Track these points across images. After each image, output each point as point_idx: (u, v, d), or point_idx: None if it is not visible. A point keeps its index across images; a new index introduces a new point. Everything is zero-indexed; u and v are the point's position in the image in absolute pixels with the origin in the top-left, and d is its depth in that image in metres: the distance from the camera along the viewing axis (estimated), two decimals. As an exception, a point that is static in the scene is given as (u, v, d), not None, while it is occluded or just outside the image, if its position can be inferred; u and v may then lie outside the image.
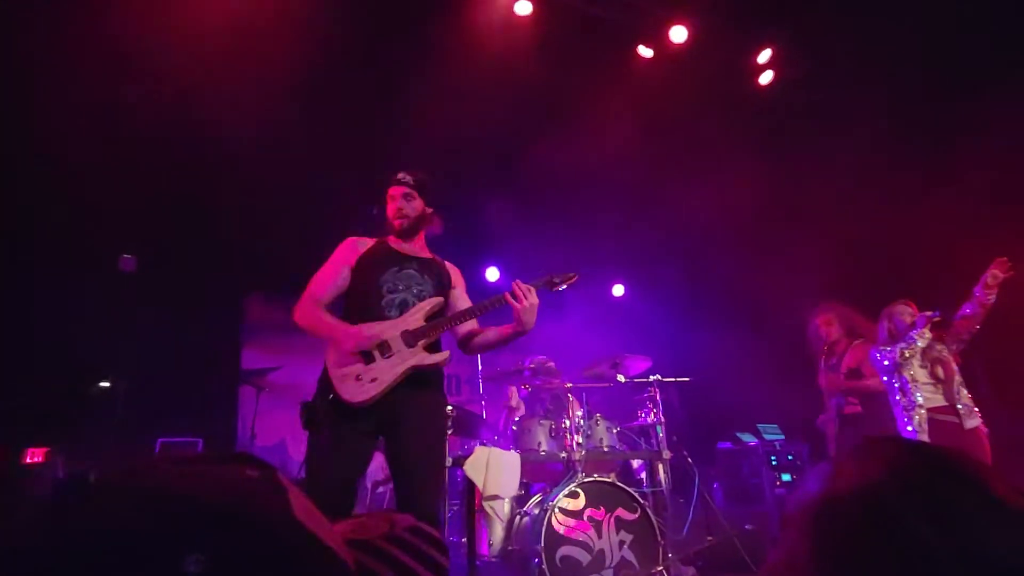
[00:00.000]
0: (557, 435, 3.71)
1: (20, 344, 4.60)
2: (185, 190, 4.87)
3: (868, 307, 4.03)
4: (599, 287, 7.12)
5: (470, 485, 3.51)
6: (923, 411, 3.61)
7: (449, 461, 3.63)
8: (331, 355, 2.34)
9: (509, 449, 3.69)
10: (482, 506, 3.55)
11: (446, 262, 2.74)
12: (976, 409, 3.57)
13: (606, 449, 3.73)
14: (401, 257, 2.55)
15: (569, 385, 3.80)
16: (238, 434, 5.76)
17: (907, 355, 3.63)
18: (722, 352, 5.27)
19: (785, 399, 4.83)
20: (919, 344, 3.61)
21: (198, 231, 5.22)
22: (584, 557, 3.12)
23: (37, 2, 3.83)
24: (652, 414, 3.93)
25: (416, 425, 2.30)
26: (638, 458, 4.10)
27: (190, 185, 4.88)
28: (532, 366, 4.21)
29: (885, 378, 3.80)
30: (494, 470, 3.43)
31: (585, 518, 3.20)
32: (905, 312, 3.81)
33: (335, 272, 2.54)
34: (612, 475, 3.57)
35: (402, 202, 2.57)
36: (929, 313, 3.62)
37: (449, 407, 3.71)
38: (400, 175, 2.59)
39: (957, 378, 3.64)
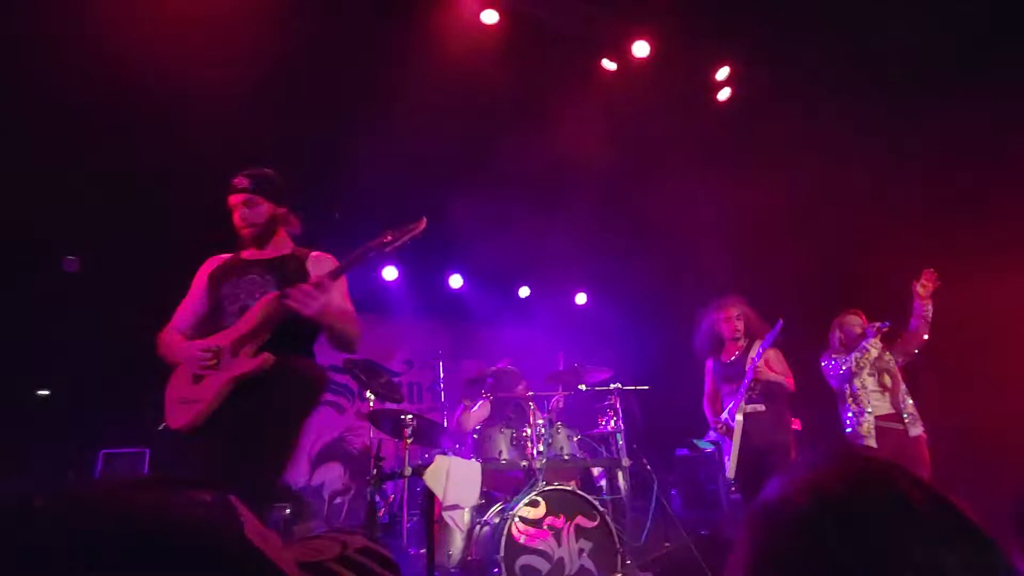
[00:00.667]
0: (518, 443, 3.70)
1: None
2: (134, 187, 4.67)
3: (825, 316, 4.15)
4: (562, 296, 7.17)
5: (430, 495, 3.46)
6: (872, 418, 3.75)
7: (409, 471, 3.58)
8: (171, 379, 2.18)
9: (470, 458, 3.65)
10: (442, 516, 3.51)
11: (314, 252, 2.43)
12: (919, 418, 3.73)
13: (567, 457, 3.74)
14: (245, 264, 2.34)
15: (531, 394, 3.80)
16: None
17: (861, 364, 3.77)
18: (681, 360, 5.37)
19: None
20: (872, 353, 3.76)
21: (147, 231, 5.01)
22: (544, 566, 3.11)
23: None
24: (612, 422, 3.97)
25: (237, 434, 2.04)
26: (598, 466, 4.13)
27: (140, 182, 4.69)
28: (495, 372, 4.19)
29: (836, 385, 3.94)
30: (454, 479, 3.39)
31: (545, 526, 3.20)
32: (855, 322, 3.96)
33: (192, 297, 2.39)
34: (573, 483, 3.58)
35: (244, 210, 2.33)
36: (878, 324, 3.78)
37: (409, 416, 3.66)
38: (236, 180, 2.33)
39: (903, 387, 3.80)
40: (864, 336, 3.82)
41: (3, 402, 4.40)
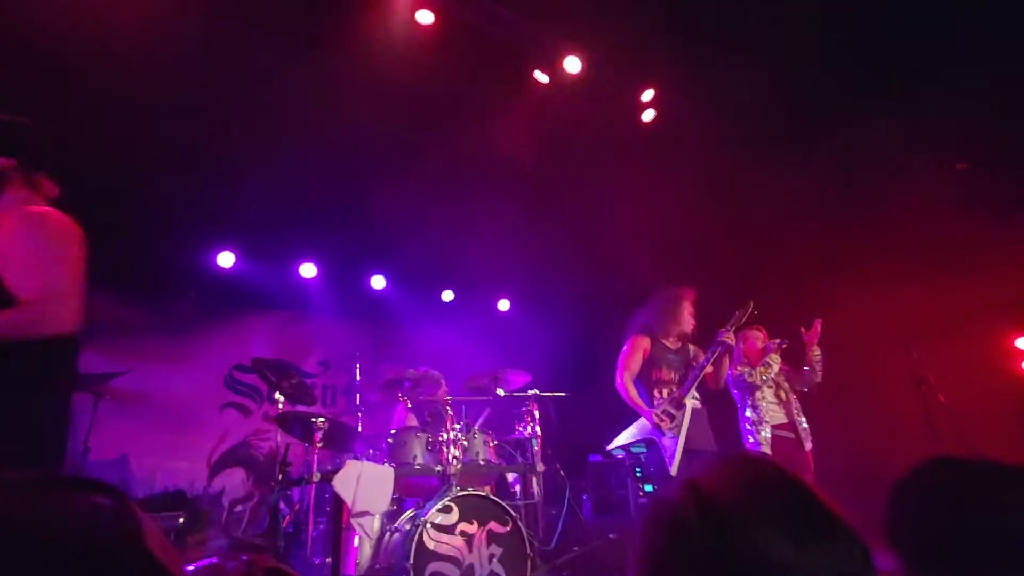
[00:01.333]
0: (434, 448, 3.65)
1: None
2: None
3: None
4: (485, 301, 7.19)
5: (339, 501, 3.34)
6: (769, 427, 4.03)
7: (317, 476, 3.44)
8: None
9: (383, 463, 3.57)
10: (351, 523, 3.39)
11: (29, 207, 1.94)
12: (810, 434, 4.05)
13: (482, 463, 3.73)
14: None
15: (449, 399, 3.77)
16: (67, 447, 5.04)
17: (762, 377, 4.04)
18: (599, 368, 5.52)
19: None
20: (773, 368, 4.05)
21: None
22: (454, 572, 3.07)
23: None
24: (529, 428, 4.00)
25: None
26: (513, 471, 4.15)
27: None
28: (413, 375, 4.12)
29: (738, 396, 4.20)
30: (365, 485, 3.29)
31: (457, 532, 3.17)
32: (757, 337, 4.27)
33: None
34: (487, 488, 3.57)
35: None
36: (778, 341, 4.13)
37: (321, 419, 3.53)
38: None
39: (796, 403, 4.12)
40: (765, 351, 4.12)
41: None
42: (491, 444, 3.86)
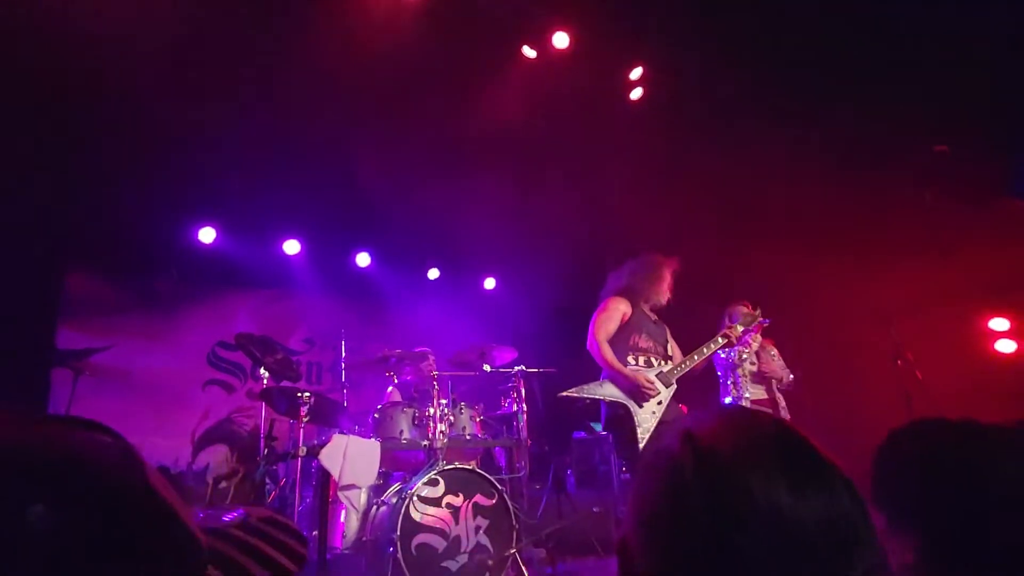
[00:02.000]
0: (420, 423, 3.66)
1: None
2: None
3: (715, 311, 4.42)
4: (471, 278, 7.17)
5: (325, 475, 3.35)
6: (748, 403, 4.10)
7: (303, 450, 3.44)
8: None
9: (370, 437, 3.57)
10: (337, 496, 3.41)
11: None
12: (788, 412, 4.12)
13: (468, 437, 3.76)
14: None
15: (435, 374, 3.77)
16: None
17: (744, 355, 4.09)
18: (584, 346, 5.55)
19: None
20: (754, 346, 4.10)
21: (9, 190, 4.40)
22: (440, 544, 3.11)
23: None
24: (515, 403, 4.03)
25: None
26: (499, 445, 4.19)
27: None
28: (400, 352, 4.11)
29: (721, 372, 4.26)
30: (352, 459, 3.30)
31: (444, 505, 3.20)
32: (743, 312, 4.29)
33: None
34: (473, 463, 3.60)
35: None
36: (760, 319, 4.12)
37: (306, 394, 3.51)
38: None
39: (775, 379, 4.18)
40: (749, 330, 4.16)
41: None
42: (477, 419, 3.88)
